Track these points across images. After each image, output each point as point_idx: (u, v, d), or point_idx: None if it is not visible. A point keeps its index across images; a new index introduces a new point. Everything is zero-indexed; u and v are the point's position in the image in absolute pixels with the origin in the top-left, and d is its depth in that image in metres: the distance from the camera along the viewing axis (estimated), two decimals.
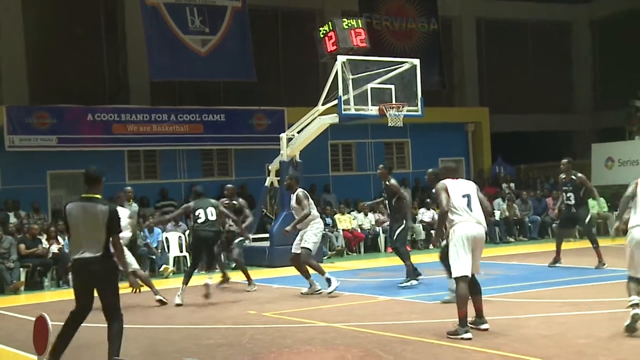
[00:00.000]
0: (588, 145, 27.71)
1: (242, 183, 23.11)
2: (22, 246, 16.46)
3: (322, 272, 12.54)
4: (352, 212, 22.13)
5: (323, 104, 18.13)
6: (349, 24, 18.42)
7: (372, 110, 17.75)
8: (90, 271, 7.41)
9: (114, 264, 7.60)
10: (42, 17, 23.39)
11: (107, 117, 21.80)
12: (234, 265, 15.71)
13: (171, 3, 22.55)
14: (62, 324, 7.53)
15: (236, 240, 14.56)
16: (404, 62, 18.31)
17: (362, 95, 17.71)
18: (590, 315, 9.76)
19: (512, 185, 26.09)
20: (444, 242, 10.59)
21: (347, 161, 26.35)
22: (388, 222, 16.62)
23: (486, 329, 8.84)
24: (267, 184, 19.89)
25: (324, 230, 15.35)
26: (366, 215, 21.95)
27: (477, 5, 30.32)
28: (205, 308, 12.19)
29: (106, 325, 7.49)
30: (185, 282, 12.74)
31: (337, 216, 21.47)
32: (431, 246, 12.42)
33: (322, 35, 18.53)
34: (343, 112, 17.57)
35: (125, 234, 11.52)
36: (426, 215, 22.03)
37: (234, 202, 14.42)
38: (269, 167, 20.06)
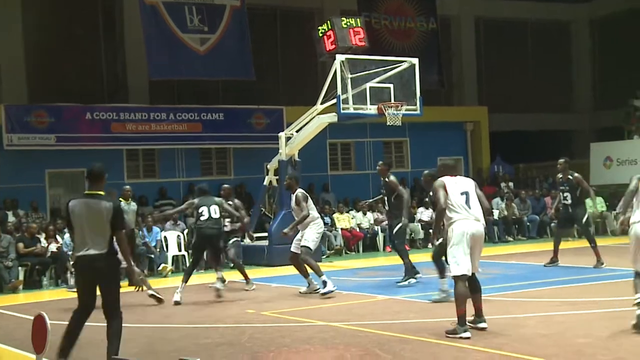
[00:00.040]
0: (587, 144, 27.73)
1: (241, 182, 23.14)
2: (21, 245, 16.45)
3: (319, 273, 12.49)
4: (350, 211, 22.14)
5: (322, 103, 18.13)
6: (348, 23, 18.41)
7: (371, 109, 17.74)
8: (94, 268, 7.39)
9: (118, 261, 7.60)
10: (41, 15, 23.36)
11: (105, 116, 21.79)
12: (232, 265, 15.71)
13: (170, 2, 22.54)
14: (66, 323, 7.52)
15: (231, 241, 14.53)
16: (402, 61, 18.30)
17: (360, 94, 17.71)
18: (589, 315, 9.76)
19: (511, 184, 26.10)
20: (439, 241, 10.61)
21: (345, 160, 26.35)
22: (386, 221, 16.64)
23: (484, 328, 8.83)
24: (265, 183, 19.89)
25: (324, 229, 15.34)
26: (365, 214, 21.95)
27: (476, 5, 30.31)
28: (204, 307, 12.19)
29: (105, 324, 7.47)
30: (185, 280, 12.74)
31: (335, 215, 21.47)
32: (430, 245, 12.44)
33: (321, 34, 18.53)
34: (342, 111, 17.56)
35: None
36: (425, 214, 22.03)
37: (230, 202, 14.42)
38: (268, 166, 20.05)
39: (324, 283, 12.37)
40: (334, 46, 18.14)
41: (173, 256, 18.38)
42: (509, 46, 31.54)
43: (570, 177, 15.31)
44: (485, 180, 26.24)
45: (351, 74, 17.60)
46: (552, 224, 21.30)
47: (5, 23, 22.44)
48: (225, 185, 15.06)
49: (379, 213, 21.76)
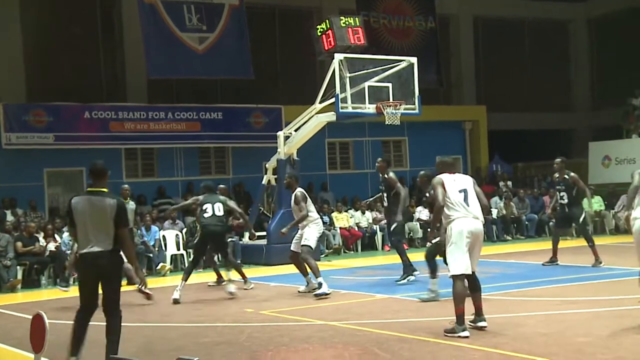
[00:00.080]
0: (585, 143, 27.75)
1: (240, 181, 23.15)
2: (19, 244, 16.42)
3: (317, 275, 12.45)
4: (349, 211, 22.14)
5: (320, 102, 18.13)
6: (347, 22, 18.42)
7: (370, 108, 17.74)
8: (98, 265, 7.37)
9: (121, 258, 7.58)
10: (40, 14, 23.33)
11: (104, 115, 21.77)
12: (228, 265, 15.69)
13: (168, 1, 22.52)
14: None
15: (227, 240, 14.54)
16: (401, 60, 18.31)
17: (359, 93, 17.71)
18: (588, 314, 9.75)
19: (509, 183, 26.12)
20: (434, 240, 10.61)
21: (344, 159, 26.35)
22: (384, 220, 16.64)
23: (484, 327, 8.81)
24: (264, 182, 19.90)
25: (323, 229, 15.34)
26: (363, 213, 21.95)
27: (475, 4, 30.31)
28: (203, 306, 12.19)
29: (104, 323, 7.46)
30: (185, 278, 12.74)
31: (334, 214, 21.45)
32: (428, 244, 12.43)
33: (319, 33, 18.54)
34: (340, 110, 17.56)
35: None
36: (423, 213, 21.99)
37: None
38: (267, 165, 20.06)
39: (320, 285, 12.31)
40: (332, 45, 18.15)
41: (172, 255, 18.38)
42: (508, 45, 31.57)
43: (566, 176, 15.32)
44: (484, 179, 26.24)
45: (350, 73, 17.60)
46: (551, 223, 21.31)
47: (4, 22, 22.41)
48: (221, 186, 15.09)
49: (377, 212, 21.75)
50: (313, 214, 12.84)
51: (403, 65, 18.15)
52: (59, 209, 21.05)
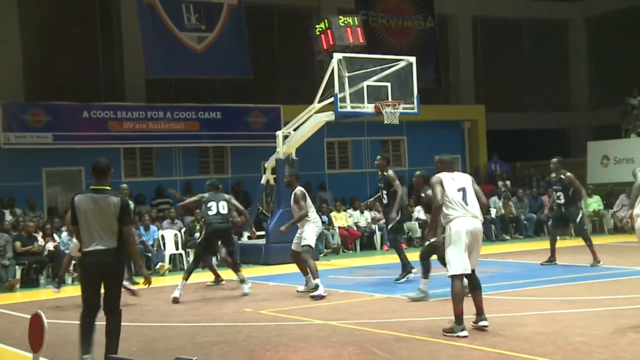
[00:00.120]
0: (584, 143, 27.78)
1: (238, 180, 23.15)
2: (18, 244, 16.41)
3: (315, 276, 12.42)
4: (348, 210, 22.13)
5: (319, 102, 18.14)
6: (345, 22, 18.42)
7: (368, 107, 17.74)
8: (103, 263, 7.34)
9: (124, 257, 7.56)
10: (38, 14, 23.32)
11: (102, 115, 21.77)
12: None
13: (167, 0, 22.50)
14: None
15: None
16: (400, 60, 18.31)
17: (358, 92, 17.71)
18: (586, 313, 9.75)
19: (508, 183, 26.12)
20: (433, 240, 10.61)
21: (343, 159, 26.35)
22: (383, 220, 16.64)
23: (486, 326, 8.78)
24: (263, 181, 19.91)
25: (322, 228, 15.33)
26: (362, 212, 21.95)
27: (473, 3, 30.32)
28: (202, 306, 12.18)
29: (103, 323, 7.45)
30: (186, 277, 12.76)
31: (333, 214, 21.45)
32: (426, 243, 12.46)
33: (318, 33, 18.53)
34: (339, 109, 17.56)
35: None
36: (422, 212, 21.97)
37: None
38: (265, 165, 20.06)
39: (317, 286, 12.26)
40: (331, 44, 18.15)
41: (170, 255, 18.37)
42: (506, 45, 31.60)
43: (562, 176, 15.30)
44: (483, 178, 26.26)
45: (348, 72, 17.60)
46: (549, 223, 21.32)
47: (2, 22, 22.39)
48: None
49: (376, 212, 21.75)
50: (312, 213, 12.83)
51: (402, 64, 18.15)
52: (58, 208, 21.06)
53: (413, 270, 13.30)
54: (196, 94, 24.34)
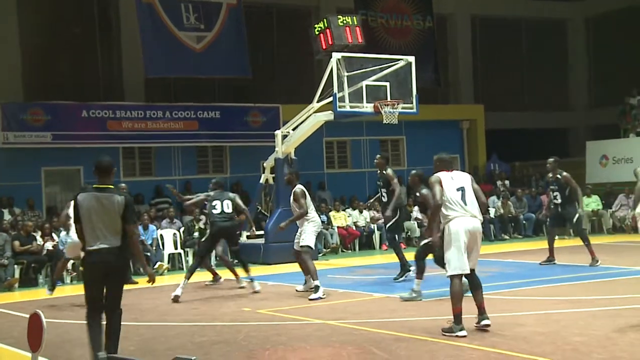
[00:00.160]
0: (583, 142, 27.78)
1: (237, 180, 23.12)
2: (17, 243, 16.41)
3: (314, 277, 12.39)
4: (347, 210, 22.13)
5: (318, 101, 18.13)
6: (344, 21, 18.42)
7: (367, 107, 17.74)
8: (107, 262, 7.30)
9: (128, 255, 7.54)
10: (37, 13, 23.30)
11: (101, 114, 21.76)
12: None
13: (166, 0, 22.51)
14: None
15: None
16: (399, 60, 18.32)
17: (357, 92, 17.71)
18: (585, 313, 9.76)
19: (507, 182, 26.12)
20: (425, 240, 10.61)
21: (342, 158, 26.35)
22: (382, 219, 16.63)
23: (488, 325, 8.76)
24: (262, 181, 19.90)
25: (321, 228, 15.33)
26: (361, 212, 21.95)
27: (472, 3, 30.31)
28: (201, 305, 12.18)
29: (103, 322, 7.45)
30: (188, 277, 12.77)
31: (332, 213, 21.45)
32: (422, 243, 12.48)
33: (317, 32, 18.53)
34: (338, 109, 17.57)
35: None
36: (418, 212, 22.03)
37: None
38: (264, 164, 20.07)
39: (316, 288, 12.23)
40: (330, 44, 18.15)
41: (169, 254, 18.37)
42: (505, 44, 31.60)
43: (559, 176, 15.29)
44: (482, 178, 26.26)
45: (347, 72, 17.60)
46: (547, 223, 21.32)
47: (1, 21, 22.38)
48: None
49: (375, 212, 21.75)
50: (311, 212, 12.82)
51: (401, 64, 18.15)
52: (57, 207, 21.03)
53: (411, 268, 13.30)
54: (195, 94, 24.33)
